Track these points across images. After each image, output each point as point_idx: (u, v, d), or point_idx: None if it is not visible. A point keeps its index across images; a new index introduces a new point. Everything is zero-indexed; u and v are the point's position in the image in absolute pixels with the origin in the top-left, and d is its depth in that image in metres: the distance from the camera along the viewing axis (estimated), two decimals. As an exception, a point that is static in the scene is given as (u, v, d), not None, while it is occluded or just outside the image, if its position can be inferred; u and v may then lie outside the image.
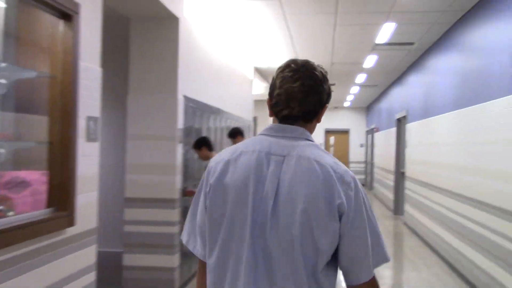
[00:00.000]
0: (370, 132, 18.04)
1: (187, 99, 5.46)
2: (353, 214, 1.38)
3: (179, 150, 5.20)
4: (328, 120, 20.09)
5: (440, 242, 7.12)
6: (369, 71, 10.77)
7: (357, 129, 19.95)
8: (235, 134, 6.87)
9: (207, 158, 5.37)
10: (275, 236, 1.36)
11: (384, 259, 1.46)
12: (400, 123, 11.28)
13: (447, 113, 7.02)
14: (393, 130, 11.94)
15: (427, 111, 8.38)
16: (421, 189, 8.61)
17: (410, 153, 9.83)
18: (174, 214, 5.13)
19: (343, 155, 19.68)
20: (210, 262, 1.45)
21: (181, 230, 5.41)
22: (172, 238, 5.13)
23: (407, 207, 9.96)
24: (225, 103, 7.79)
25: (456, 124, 6.58)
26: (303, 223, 1.35)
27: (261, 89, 13.03)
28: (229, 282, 1.40)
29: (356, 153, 19.98)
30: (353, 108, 19.98)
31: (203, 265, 1.55)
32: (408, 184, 9.78)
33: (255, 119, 13.12)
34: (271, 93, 1.53)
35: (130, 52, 5.19)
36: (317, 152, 1.45)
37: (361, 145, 19.95)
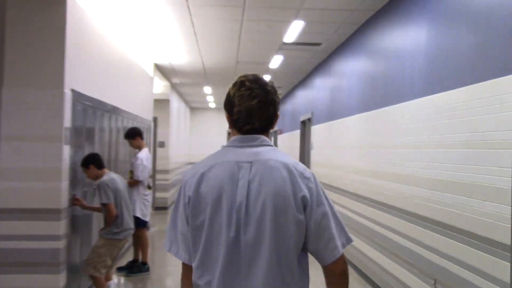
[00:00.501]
0: (273, 134, 17.99)
1: (77, 94, 4.77)
2: (316, 203, 1.66)
3: (66, 152, 4.51)
4: (231, 122, 19.82)
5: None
6: (274, 72, 10.56)
7: (260, 131, 19.88)
8: (133, 134, 6.25)
9: (97, 177, 4.75)
10: (249, 233, 1.59)
11: (348, 239, 1.72)
12: (305, 125, 11.21)
13: (352, 116, 6.92)
14: (297, 132, 11.86)
15: (332, 114, 8.29)
16: (326, 192, 8.49)
17: (315, 155, 9.74)
18: (59, 227, 4.43)
19: (246, 158, 19.47)
20: (195, 264, 1.65)
21: (69, 244, 4.73)
22: (57, 255, 4.42)
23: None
24: (122, 101, 7.11)
25: (361, 126, 6.48)
26: (273, 218, 1.59)
27: (161, 87, 12.37)
28: (212, 280, 1.61)
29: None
30: (256, 110, 19.86)
31: (187, 268, 1.73)
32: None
33: (155, 119, 12.42)
34: (230, 110, 1.74)
35: (6, 38, 4.41)
36: (278, 155, 1.70)
37: None
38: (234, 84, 1.77)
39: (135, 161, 6.20)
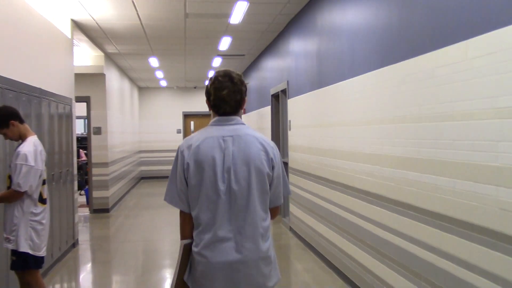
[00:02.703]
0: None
1: None
2: (277, 165, 2.34)
3: None
4: (187, 102, 17.27)
5: (337, 252, 4.78)
6: (235, 32, 8.14)
7: (220, 112, 17.32)
8: (4, 119, 3.76)
9: None
10: (238, 187, 2.24)
11: (288, 192, 2.47)
12: (278, 99, 8.86)
13: (361, 75, 4.62)
14: (268, 109, 9.51)
15: (321, 79, 5.97)
16: (314, 186, 6.23)
17: (294, 137, 7.43)
18: None
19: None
20: (194, 212, 2.28)
21: None
22: None
23: (293, 209, 7.57)
24: (12, 67, 4.60)
25: (381, 89, 4.20)
26: (256, 174, 2.27)
27: (93, 58, 9.75)
28: (213, 220, 2.24)
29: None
30: (215, 88, 17.30)
31: (186, 215, 2.32)
32: (294, 178, 7.37)
33: (87, 99, 9.81)
34: (208, 98, 2.36)
35: None
36: (251, 131, 2.37)
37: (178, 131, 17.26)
38: (210, 79, 2.36)
39: (14, 160, 3.72)
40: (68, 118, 6.76)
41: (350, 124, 4.93)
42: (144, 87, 16.94)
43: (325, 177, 5.79)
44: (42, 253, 3.85)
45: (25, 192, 3.69)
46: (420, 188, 3.44)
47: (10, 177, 3.74)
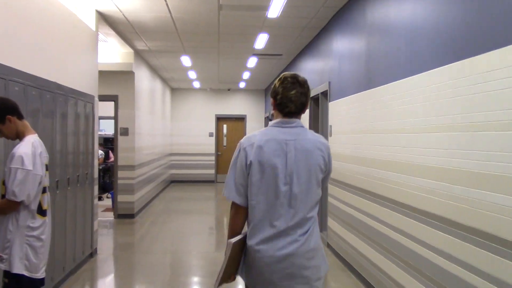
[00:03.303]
0: (271, 118, 14.90)
1: None
2: (330, 165, 2.54)
3: None
4: (220, 105, 16.70)
5: (385, 279, 4.05)
6: (273, 27, 7.48)
7: (255, 116, 16.72)
8: (0, 113, 3.19)
9: None
10: (299, 189, 2.41)
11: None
12: (317, 103, 8.15)
13: (418, 75, 3.89)
14: (305, 113, 8.79)
15: (370, 78, 5.25)
16: (357, 200, 5.50)
17: (335, 143, 6.71)
18: None
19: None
20: (252, 204, 2.42)
21: None
22: None
23: (332, 223, 6.84)
24: (25, 59, 4.08)
25: (441, 90, 3.46)
26: (315, 180, 2.44)
27: (122, 55, 9.25)
28: (269, 217, 2.40)
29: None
30: (250, 90, 16.71)
31: (240, 208, 2.46)
32: (333, 190, 6.64)
33: (115, 98, 9.33)
34: (275, 97, 2.49)
35: None
36: (310, 135, 2.51)
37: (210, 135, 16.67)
38: (279, 79, 2.50)
39: (8, 163, 3.15)
40: (88, 117, 6.22)
41: (406, 131, 4.20)
42: (176, 88, 16.46)
43: (371, 191, 5.06)
44: (40, 274, 3.24)
45: (21, 202, 3.11)
46: (507, 215, 2.69)
47: (4, 183, 3.16)
